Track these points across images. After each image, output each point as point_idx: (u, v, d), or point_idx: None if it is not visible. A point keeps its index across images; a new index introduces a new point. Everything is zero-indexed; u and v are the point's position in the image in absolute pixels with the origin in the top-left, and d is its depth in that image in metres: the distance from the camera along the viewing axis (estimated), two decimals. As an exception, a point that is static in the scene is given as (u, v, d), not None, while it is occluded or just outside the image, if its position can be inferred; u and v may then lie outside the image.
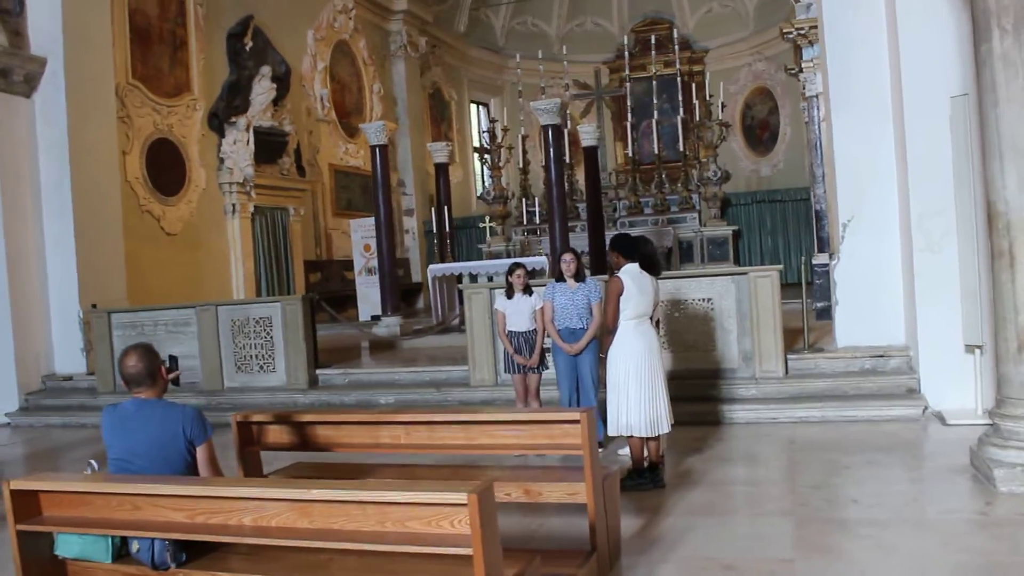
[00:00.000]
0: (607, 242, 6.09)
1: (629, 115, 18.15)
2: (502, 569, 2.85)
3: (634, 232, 16.87)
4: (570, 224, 16.18)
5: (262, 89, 15.16)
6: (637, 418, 5.53)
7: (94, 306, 10.96)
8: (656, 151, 17.91)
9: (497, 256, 16.12)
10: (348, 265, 16.86)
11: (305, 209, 16.35)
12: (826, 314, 9.68)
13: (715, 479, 5.74)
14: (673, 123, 17.83)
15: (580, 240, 13.91)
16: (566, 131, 14.18)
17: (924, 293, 7.29)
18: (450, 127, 23.27)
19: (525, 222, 17.73)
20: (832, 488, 5.31)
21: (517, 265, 7.05)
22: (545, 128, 11.00)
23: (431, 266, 12.85)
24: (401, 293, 17.77)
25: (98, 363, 10.77)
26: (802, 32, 10.44)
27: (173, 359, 4.25)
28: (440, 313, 12.62)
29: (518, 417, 4.16)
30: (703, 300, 8.01)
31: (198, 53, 14.12)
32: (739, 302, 7.87)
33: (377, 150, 11.97)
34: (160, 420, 3.71)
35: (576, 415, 3.97)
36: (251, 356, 9.91)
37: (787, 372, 7.84)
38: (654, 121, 17.98)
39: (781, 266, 8.12)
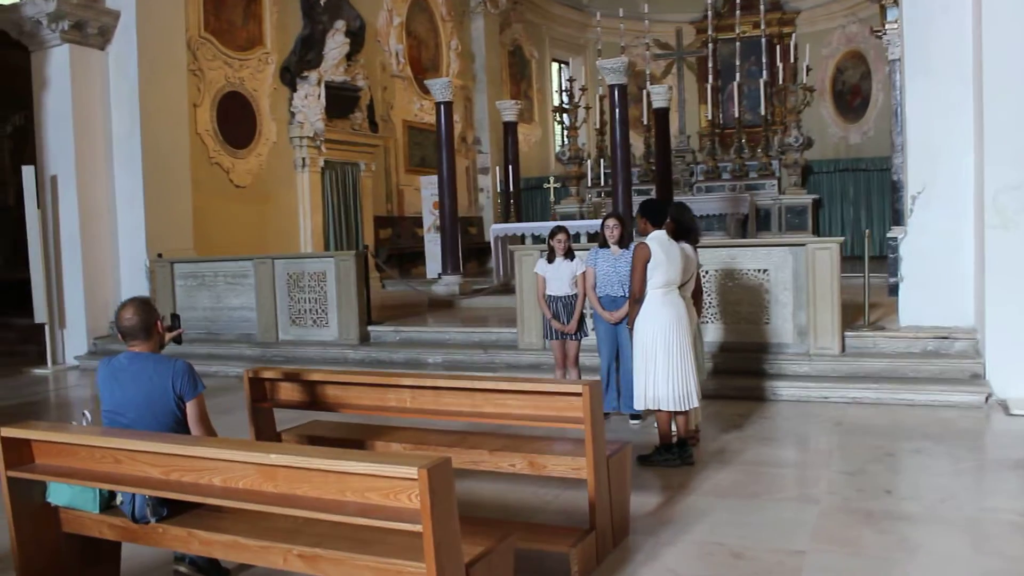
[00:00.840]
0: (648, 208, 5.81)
1: (710, 77, 17.59)
2: (459, 546, 2.71)
3: (707, 198, 16.56)
4: (643, 187, 15.92)
5: (335, 44, 15.13)
6: (665, 391, 5.31)
7: (160, 256, 11.18)
8: (737, 115, 17.31)
9: (569, 217, 15.87)
10: (419, 222, 16.83)
11: (377, 165, 16.35)
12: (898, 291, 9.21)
13: (748, 459, 5.49)
14: (756, 87, 17.22)
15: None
16: (645, 92, 13.80)
17: (995, 273, 6.85)
18: (530, 86, 22.96)
19: (601, 183, 17.41)
20: (868, 476, 5.01)
21: (559, 229, 6.83)
22: (611, 88, 10.66)
23: (493, 225, 12.73)
24: (474, 252, 17.83)
25: (161, 311, 10.97)
26: (887, -9, 9.84)
27: (175, 317, 4.23)
28: (501, 273, 12.50)
29: (522, 387, 4.00)
30: (758, 271, 7.68)
31: (271, 7, 14.14)
32: (796, 274, 7.52)
33: (442, 106, 11.84)
34: (151, 374, 3.68)
35: (579, 387, 3.78)
36: (305, 310, 9.97)
37: (843, 350, 7.47)
38: (735, 84, 17.32)
39: (842, 238, 7.72)
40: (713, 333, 7.82)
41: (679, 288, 5.59)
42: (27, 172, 11.01)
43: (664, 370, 5.31)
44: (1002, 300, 6.79)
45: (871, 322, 7.87)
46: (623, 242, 6.51)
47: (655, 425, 6.21)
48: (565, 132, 18.16)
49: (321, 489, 2.84)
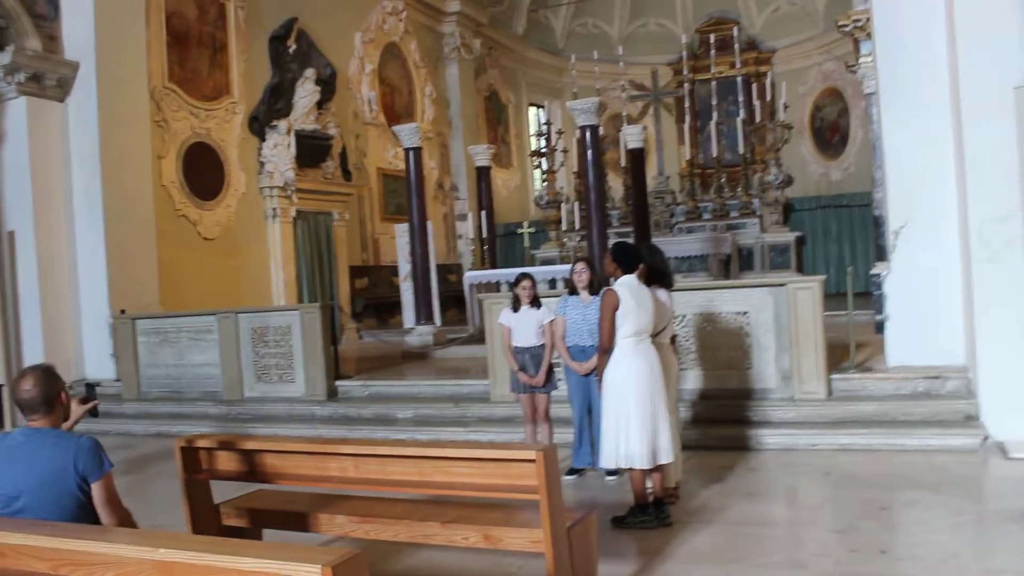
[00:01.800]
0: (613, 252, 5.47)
1: (687, 117, 17.43)
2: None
3: (688, 239, 16.27)
4: (622, 230, 15.63)
5: (305, 92, 14.89)
6: (639, 447, 4.92)
7: (123, 312, 10.77)
8: (715, 154, 17.10)
9: (549, 262, 15.54)
10: (396, 271, 16.43)
11: (351, 213, 16.03)
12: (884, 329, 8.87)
13: (730, 518, 5.09)
14: (735, 126, 17.04)
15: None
16: (621, 133, 13.48)
17: (985, 308, 6.52)
18: (507, 130, 22.83)
19: (578, 227, 17.10)
20: (861, 534, 4.61)
21: (524, 276, 6.49)
22: (583, 129, 10.39)
23: (467, 273, 12.40)
24: (453, 300, 17.44)
25: (122, 370, 10.58)
26: (859, 24, 9.67)
27: (91, 387, 3.85)
28: (477, 322, 12.11)
29: (470, 454, 3.61)
30: (738, 313, 7.33)
31: (239, 56, 13.91)
32: (777, 316, 7.17)
33: (411, 152, 11.56)
34: (49, 454, 3.25)
35: (532, 454, 3.40)
36: (271, 365, 9.55)
37: (830, 394, 7.11)
38: (712, 124, 17.14)
39: (823, 276, 7.38)
40: (693, 380, 7.45)
41: (655, 336, 5.23)
42: (-19, 230, 10.64)
43: (637, 425, 4.92)
44: (994, 336, 6.46)
45: (858, 363, 7.53)
46: (593, 288, 6.16)
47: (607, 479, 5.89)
48: (543, 176, 17.95)
49: (221, 587, 2.44)
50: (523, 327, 6.41)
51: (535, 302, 6.45)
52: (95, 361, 11.22)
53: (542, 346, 6.37)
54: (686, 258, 16.10)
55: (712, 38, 18.78)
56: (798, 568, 4.16)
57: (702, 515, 5.16)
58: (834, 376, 7.18)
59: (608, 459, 5.03)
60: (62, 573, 2.80)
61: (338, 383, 9.37)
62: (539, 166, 18.51)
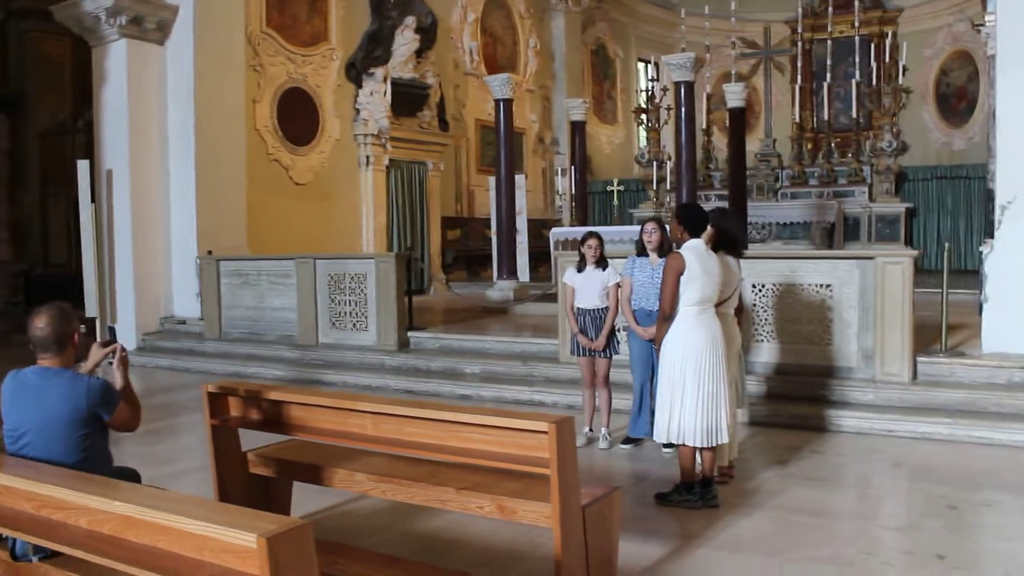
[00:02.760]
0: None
1: (799, 77, 16.59)
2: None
3: (792, 204, 15.57)
4: (721, 192, 15.08)
5: (405, 40, 14.77)
6: (692, 424, 4.62)
7: (209, 252, 10.98)
8: (826, 117, 16.26)
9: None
10: (489, 223, 16.34)
11: (446, 164, 15.92)
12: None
13: (783, 503, 4.77)
14: (850, 88, 16.15)
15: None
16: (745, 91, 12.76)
17: (1096, 295, 5.90)
18: (614, 86, 22.26)
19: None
20: (920, 534, 4.24)
21: (591, 235, 6.20)
22: (677, 84, 9.94)
23: (554, 229, 12.12)
24: (546, 255, 17.22)
25: (206, 309, 10.80)
26: (986, -23, 8.83)
27: (111, 330, 3.79)
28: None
29: (486, 421, 3.41)
30: (821, 286, 6.87)
31: (338, 2, 13.85)
32: (863, 291, 6.69)
33: (501, 104, 11.31)
34: (59, 393, 3.21)
35: (544, 425, 3.18)
36: (345, 313, 9.57)
37: (915, 377, 6.61)
38: (825, 85, 16.26)
39: (916, 251, 6.83)
40: (768, 353, 7.06)
41: (719, 305, 4.91)
42: (82, 167, 10.89)
43: (693, 400, 4.62)
44: (1103, 327, 5.86)
45: (950, 347, 6.96)
46: (663, 250, 5.84)
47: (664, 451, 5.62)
48: (646, 133, 17.46)
49: (179, 545, 2.33)
50: (587, 288, 6.15)
51: (601, 262, 6.17)
52: (182, 299, 11.51)
53: (605, 309, 6.11)
54: (788, 224, 15.45)
55: (836, -6, 17.65)
56: (843, 567, 3.83)
57: (754, 498, 4.85)
58: (921, 359, 6.68)
59: (660, 433, 4.76)
60: (43, 514, 2.77)
61: (411, 334, 9.31)
62: (643, 123, 18.01)
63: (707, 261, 4.73)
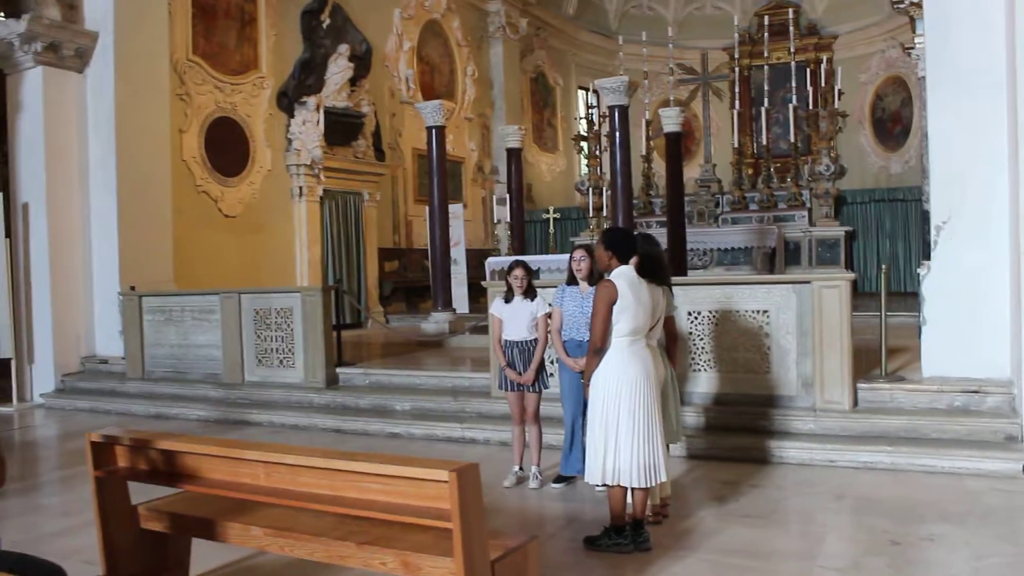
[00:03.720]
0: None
1: (737, 103, 16.63)
2: None
3: (733, 230, 15.50)
4: (662, 218, 14.94)
5: (338, 68, 14.47)
6: (629, 463, 4.33)
7: (132, 288, 10.50)
8: (765, 143, 16.29)
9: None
10: (428, 254, 16.03)
11: (382, 194, 15.60)
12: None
13: (719, 544, 4.49)
14: (788, 113, 16.21)
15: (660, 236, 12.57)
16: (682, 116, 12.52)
17: (1033, 316, 5.77)
18: (554, 113, 22.20)
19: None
20: (863, 574, 3.99)
21: (517, 264, 5.93)
22: (611, 109, 9.77)
23: (489, 259, 11.84)
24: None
25: (128, 348, 10.30)
26: (915, 1, 8.84)
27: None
28: (498, 311, 11.59)
29: (381, 470, 3.09)
30: (758, 312, 6.67)
31: (268, 30, 13.53)
32: (800, 316, 6.50)
33: (434, 131, 11.06)
34: None
35: (444, 474, 2.86)
36: (272, 349, 9.16)
37: (855, 404, 6.43)
38: (763, 110, 16.31)
39: (852, 275, 6.66)
40: (706, 383, 6.83)
41: (647, 333, 4.65)
42: (-6, 199, 10.45)
43: (628, 437, 4.34)
44: (1042, 349, 5.72)
45: (891, 372, 6.80)
46: (593, 278, 5.58)
47: (596, 489, 5.33)
48: (586, 161, 17.35)
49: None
50: (514, 319, 5.87)
51: (530, 292, 5.89)
52: (105, 338, 10.99)
53: (534, 340, 5.83)
54: (729, 250, 15.38)
55: (768, 21, 17.80)
56: (779, 615, 3.56)
57: (689, 539, 4.58)
58: (861, 385, 6.50)
59: (594, 474, 4.45)
60: None
61: (340, 370, 8.95)
62: (582, 150, 17.91)
63: (639, 289, 4.47)
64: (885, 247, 15.57)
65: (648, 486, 4.41)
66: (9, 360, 10.50)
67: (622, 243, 4.61)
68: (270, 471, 3.44)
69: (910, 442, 6.01)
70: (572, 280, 5.72)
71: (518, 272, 5.83)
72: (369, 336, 12.85)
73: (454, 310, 11.55)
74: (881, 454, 5.93)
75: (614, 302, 4.40)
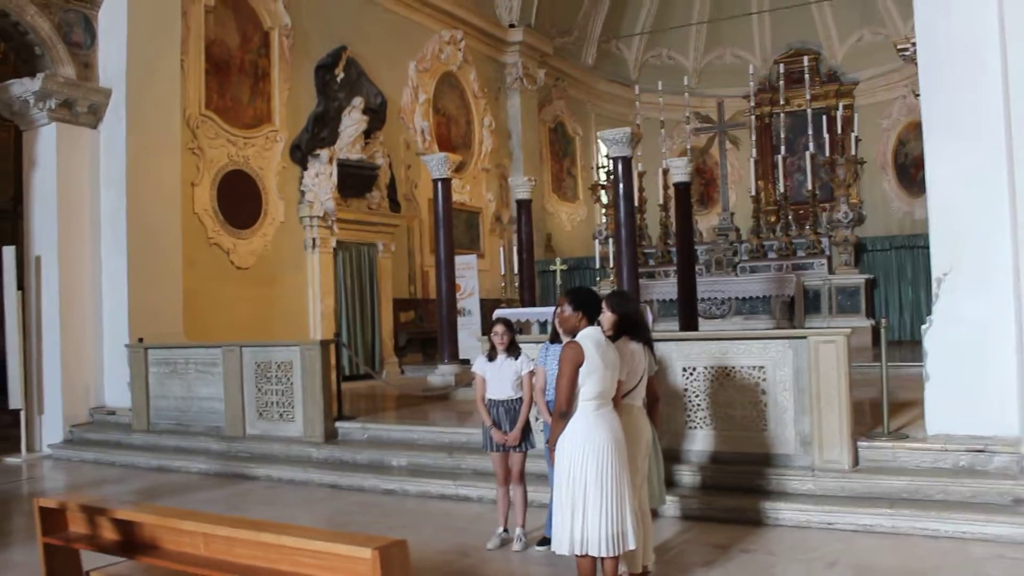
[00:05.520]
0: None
1: (753, 151, 16.52)
2: None
3: (751, 279, 15.29)
4: (674, 269, 14.78)
5: (352, 121, 14.59)
6: (596, 531, 4.15)
7: (140, 340, 10.52)
8: (783, 190, 16.13)
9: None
10: (446, 305, 15.98)
11: (397, 245, 15.62)
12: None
13: (697, 615, 4.30)
14: (803, 160, 16.06)
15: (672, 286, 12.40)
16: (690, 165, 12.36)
17: (1038, 372, 5.54)
18: (573, 163, 22.27)
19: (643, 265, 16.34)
20: (841, 652, 3.78)
21: (497, 321, 5.82)
22: (615, 160, 9.71)
23: (497, 311, 11.71)
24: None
25: (134, 400, 10.30)
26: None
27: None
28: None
29: (306, 545, 2.97)
30: (754, 368, 6.49)
31: (282, 84, 13.70)
32: (797, 372, 6.31)
33: (439, 183, 11.06)
34: None
35: (367, 552, 2.73)
36: (273, 403, 9.10)
37: (856, 463, 6.19)
38: (780, 158, 16.18)
39: (849, 330, 6.46)
40: (702, 441, 6.63)
41: (625, 396, 4.51)
42: (7, 252, 10.58)
43: (596, 505, 4.16)
44: (1048, 406, 5.48)
45: (895, 429, 6.56)
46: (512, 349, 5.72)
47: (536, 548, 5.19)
48: (604, 210, 17.30)
49: None
50: (498, 377, 5.74)
51: (513, 350, 5.77)
52: (113, 389, 11.01)
53: (519, 399, 5.70)
54: (747, 299, 15.16)
55: (782, 68, 17.77)
56: None
57: (666, 610, 4.38)
58: (862, 443, 6.27)
59: (562, 543, 4.27)
60: None
61: (339, 424, 8.84)
62: (599, 199, 17.87)
63: (607, 351, 4.33)
64: (907, 294, 15.26)
65: (616, 555, 4.22)
66: (19, 411, 10.54)
67: (590, 303, 4.49)
68: (208, 542, 3.34)
69: (912, 504, 5.75)
70: (555, 338, 5.59)
71: (498, 329, 5.72)
72: (381, 387, 12.75)
73: (464, 361, 11.43)
74: (881, 517, 5.68)
75: (580, 364, 4.25)
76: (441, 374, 10.99)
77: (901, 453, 6.18)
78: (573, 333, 4.43)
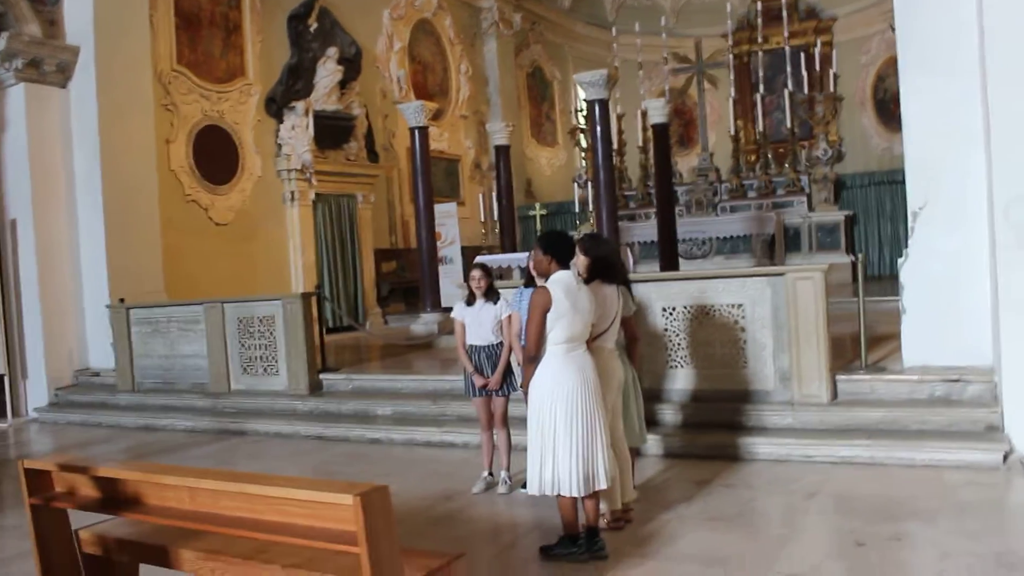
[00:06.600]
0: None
1: (732, 90, 16.44)
2: None
3: (731, 218, 15.33)
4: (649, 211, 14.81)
5: (327, 71, 14.40)
6: (567, 472, 4.23)
7: (121, 300, 10.48)
8: (762, 129, 16.10)
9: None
10: (428, 254, 15.93)
11: (377, 196, 15.52)
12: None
13: (679, 550, 4.39)
14: (782, 99, 16.00)
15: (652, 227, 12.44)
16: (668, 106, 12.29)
17: (1011, 302, 5.62)
18: (552, 107, 22.07)
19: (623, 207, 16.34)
20: (819, 579, 3.88)
21: (475, 266, 5.84)
22: (591, 103, 9.64)
23: (477, 257, 11.71)
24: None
25: (118, 360, 10.29)
26: (895, -21, 8.61)
27: None
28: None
29: (295, 495, 3.01)
30: (732, 306, 6.54)
31: (254, 36, 13.47)
32: (775, 310, 6.37)
33: (416, 132, 10.97)
34: None
35: (348, 498, 2.77)
36: (256, 357, 9.13)
37: (835, 397, 6.29)
38: (758, 97, 16.11)
39: (826, 265, 6.49)
40: (683, 380, 6.71)
41: (596, 339, 4.54)
42: (-20, 217, 10.48)
43: (566, 447, 4.23)
44: (1021, 334, 5.56)
45: (874, 362, 6.66)
46: (490, 294, 5.77)
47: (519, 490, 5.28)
48: (583, 153, 17.22)
49: None
50: (478, 323, 5.77)
51: (492, 295, 5.79)
52: (97, 350, 11.00)
53: (500, 344, 5.73)
54: (728, 239, 15.22)
55: (760, 6, 17.61)
56: (724, 626, 3.45)
57: (648, 545, 4.47)
58: (840, 377, 6.36)
59: (533, 484, 4.35)
60: None
61: (324, 376, 8.89)
62: (578, 143, 17.78)
63: (577, 296, 4.34)
64: (887, 230, 15.35)
65: (587, 494, 4.28)
66: (2, 376, 10.53)
67: (561, 246, 4.48)
68: (193, 496, 3.36)
69: (890, 435, 5.86)
70: (530, 282, 5.61)
71: (475, 274, 5.74)
72: (362, 339, 12.79)
73: (447, 309, 11.46)
74: (859, 448, 5.79)
75: (548, 309, 4.27)
76: (424, 323, 11.03)
77: (879, 385, 6.29)
78: (546, 277, 4.45)
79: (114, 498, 3.70)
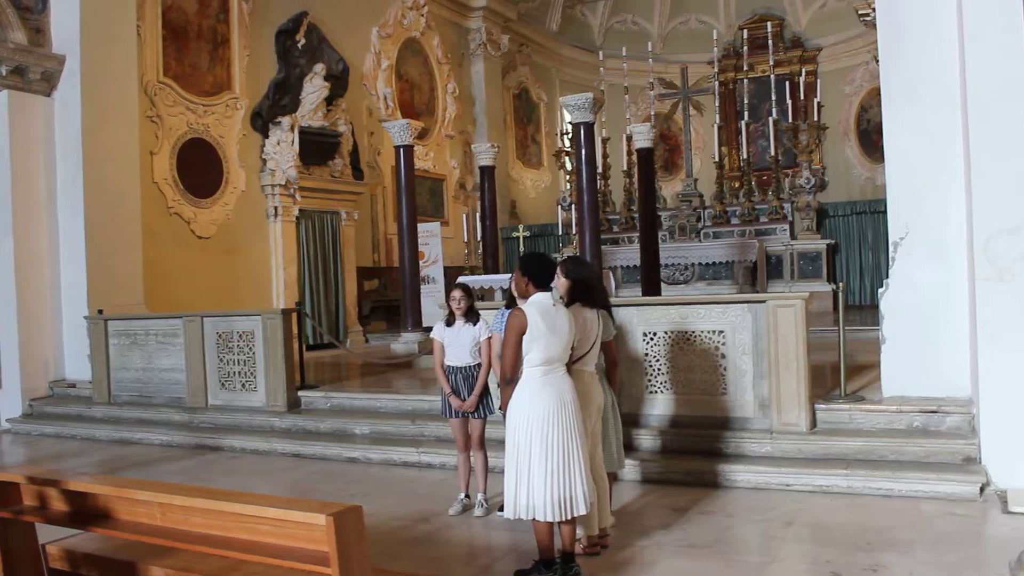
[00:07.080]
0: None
1: (717, 117, 16.57)
2: None
3: (714, 245, 15.39)
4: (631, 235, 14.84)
5: (314, 88, 14.40)
6: (542, 496, 4.19)
7: (100, 312, 10.38)
8: (747, 156, 16.21)
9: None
10: (410, 273, 15.90)
11: (361, 213, 15.50)
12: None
13: (655, 576, 4.36)
14: (767, 126, 16.13)
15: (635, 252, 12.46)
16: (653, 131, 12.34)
17: (989, 334, 5.64)
18: (538, 129, 22.17)
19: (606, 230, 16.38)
20: (794, 609, 3.86)
21: (456, 286, 5.82)
22: (576, 127, 9.68)
23: (460, 278, 11.73)
24: (468, 304, 16.83)
25: (94, 372, 10.19)
26: (879, 12, 8.72)
27: None
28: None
29: (266, 513, 2.97)
30: (713, 332, 6.54)
31: (241, 50, 13.47)
32: (756, 336, 6.37)
33: (402, 151, 10.96)
34: None
35: (321, 518, 2.74)
36: (235, 372, 9.04)
37: (814, 425, 6.29)
38: (743, 124, 16.24)
39: (807, 294, 6.51)
40: (663, 405, 6.70)
41: (575, 363, 4.52)
42: (-42, 224, 10.37)
43: (540, 470, 4.19)
44: (998, 366, 5.57)
45: (853, 391, 6.67)
46: (470, 315, 5.76)
47: (497, 514, 5.24)
48: (568, 176, 17.28)
49: None
50: (457, 343, 5.75)
51: (472, 316, 5.78)
52: (74, 362, 10.88)
53: (478, 366, 5.71)
54: (710, 264, 15.28)
55: (746, 34, 17.83)
56: (698, 655, 3.43)
57: (623, 571, 4.44)
58: (819, 406, 6.36)
59: (509, 508, 4.32)
60: None
61: (302, 393, 8.83)
62: (563, 166, 17.85)
63: (555, 318, 4.31)
64: (868, 259, 15.45)
65: (564, 519, 4.25)
66: (-23, 386, 10.40)
67: (539, 268, 4.46)
68: (164, 511, 3.31)
69: (867, 464, 5.86)
70: (512, 303, 5.60)
71: (456, 294, 5.72)
72: (342, 357, 12.72)
73: (428, 329, 11.42)
74: (837, 477, 5.78)
75: (524, 332, 4.25)
76: (405, 342, 10.98)
77: (857, 415, 6.29)
78: (526, 298, 4.44)
79: (84, 512, 3.64)
